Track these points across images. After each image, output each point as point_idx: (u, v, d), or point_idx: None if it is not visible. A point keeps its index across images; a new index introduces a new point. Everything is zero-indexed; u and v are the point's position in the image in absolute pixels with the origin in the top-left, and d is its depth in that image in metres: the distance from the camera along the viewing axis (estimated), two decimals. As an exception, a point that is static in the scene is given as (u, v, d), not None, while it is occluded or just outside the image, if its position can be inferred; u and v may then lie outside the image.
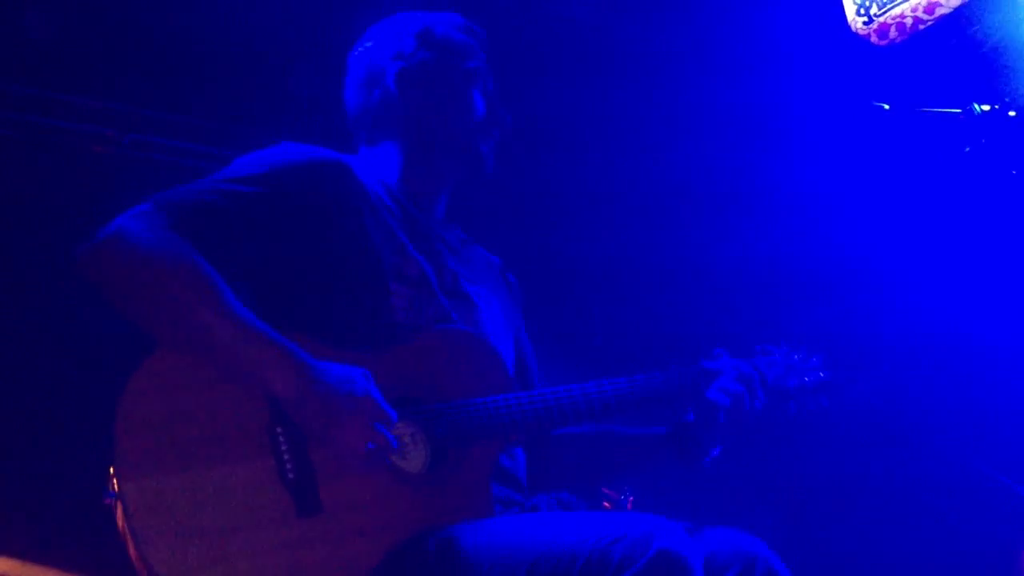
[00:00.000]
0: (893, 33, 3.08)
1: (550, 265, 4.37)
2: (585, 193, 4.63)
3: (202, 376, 1.86)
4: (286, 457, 1.84)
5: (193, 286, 1.88)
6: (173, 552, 1.72)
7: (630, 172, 4.53)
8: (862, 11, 2.73)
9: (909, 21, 2.67)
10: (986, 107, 2.46)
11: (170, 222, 1.93)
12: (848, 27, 2.75)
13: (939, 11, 2.63)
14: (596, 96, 4.27)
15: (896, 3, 2.67)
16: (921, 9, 2.64)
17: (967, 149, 2.50)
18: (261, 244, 2.05)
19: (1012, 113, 2.43)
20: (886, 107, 2.56)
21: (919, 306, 4.13)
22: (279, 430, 1.85)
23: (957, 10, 2.62)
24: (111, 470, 1.77)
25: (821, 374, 2.46)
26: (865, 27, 2.73)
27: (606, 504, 3.69)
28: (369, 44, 2.42)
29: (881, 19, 2.69)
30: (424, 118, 2.33)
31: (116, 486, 1.75)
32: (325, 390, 1.85)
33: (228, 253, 1.99)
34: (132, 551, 1.74)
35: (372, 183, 2.24)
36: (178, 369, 1.86)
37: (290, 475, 1.83)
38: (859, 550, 4.58)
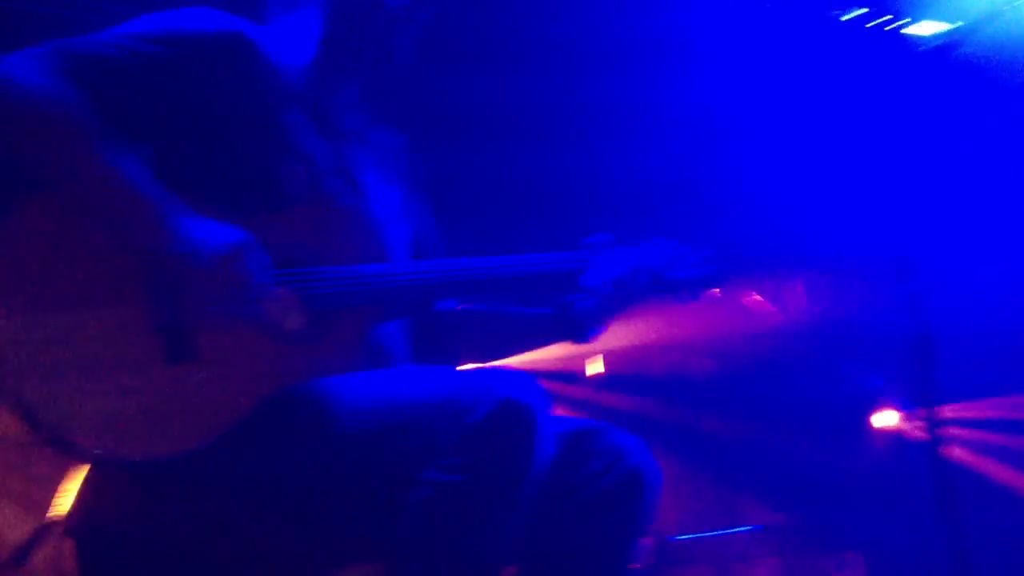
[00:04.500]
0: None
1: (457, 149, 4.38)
2: (496, 95, 4.64)
3: (77, 220, 1.84)
4: (160, 303, 1.85)
5: (71, 131, 1.85)
6: (36, 387, 1.74)
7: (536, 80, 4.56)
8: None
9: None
10: (857, 12, 2.55)
11: (64, 68, 1.89)
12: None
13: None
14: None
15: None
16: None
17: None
18: (156, 105, 2.01)
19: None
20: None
21: (793, 202, 4.30)
22: (149, 263, 1.85)
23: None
24: None
25: (706, 268, 2.53)
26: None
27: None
28: None
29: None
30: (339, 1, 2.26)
31: None
32: (191, 237, 1.86)
33: (120, 108, 1.96)
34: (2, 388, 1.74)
35: (279, 59, 2.20)
36: (52, 211, 1.84)
37: (162, 321, 1.85)
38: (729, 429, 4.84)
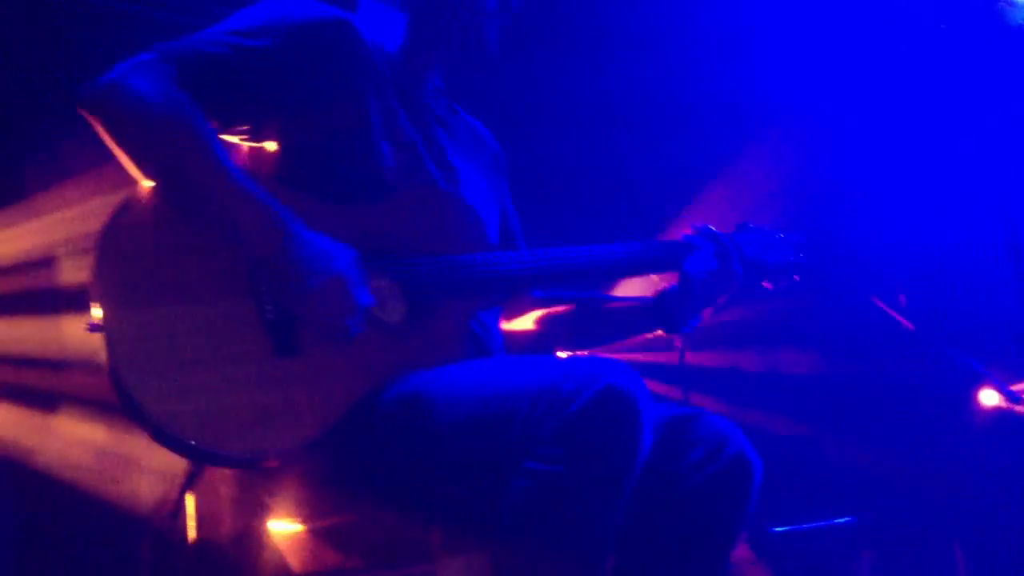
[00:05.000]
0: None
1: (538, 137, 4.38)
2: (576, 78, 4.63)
3: (191, 218, 1.87)
4: (265, 298, 1.87)
5: (188, 142, 1.87)
6: (150, 380, 1.75)
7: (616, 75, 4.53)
8: None
9: None
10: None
11: (174, 74, 1.92)
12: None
13: None
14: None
15: None
16: None
17: (942, 27, 2.51)
18: (263, 97, 2.04)
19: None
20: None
21: (889, 193, 4.22)
22: (259, 273, 1.88)
23: None
24: (91, 300, 1.79)
25: (800, 254, 2.51)
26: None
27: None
28: None
29: None
30: None
31: (96, 315, 1.77)
32: (301, 258, 1.87)
33: (230, 105, 1.99)
34: (110, 378, 1.76)
35: (371, 46, 2.22)
36: (162, 205, 1.87)
37: (269, 315, 1.87)
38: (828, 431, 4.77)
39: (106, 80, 1.89)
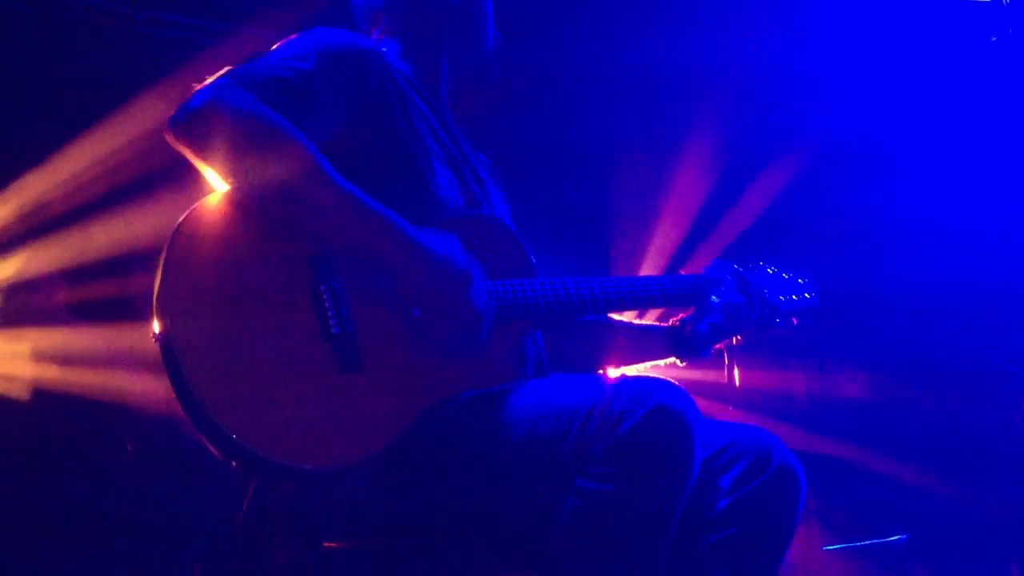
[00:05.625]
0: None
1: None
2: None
3: (249, 227, 1.88)
4: (331, 314, 1.88)
5: (296, 154, 1.89)
6: (217, 389, 1.75)
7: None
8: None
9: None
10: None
11: (255, 95, 1.93)
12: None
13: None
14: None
15: None
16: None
17: (993, 39, 2.50)
18: (326, 120, 2.05)
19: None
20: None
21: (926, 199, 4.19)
22: (323, 288, 1.89)
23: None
24: (157, 308, 1.78)
25: (808, 295, 2.61)
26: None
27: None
28: None
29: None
30: (440, 20, 2.35)
31: (163, 323, 1.77)
32: (433, 256, 1.93)
33: (302, 127, 1.98)
34: (175, 386, 1.76)
35: (401, 73, 2.26)
36: (226, 217, 1.88)
37: (334, 331, 1.87)
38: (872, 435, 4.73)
39: (199, 103, 1.88)
